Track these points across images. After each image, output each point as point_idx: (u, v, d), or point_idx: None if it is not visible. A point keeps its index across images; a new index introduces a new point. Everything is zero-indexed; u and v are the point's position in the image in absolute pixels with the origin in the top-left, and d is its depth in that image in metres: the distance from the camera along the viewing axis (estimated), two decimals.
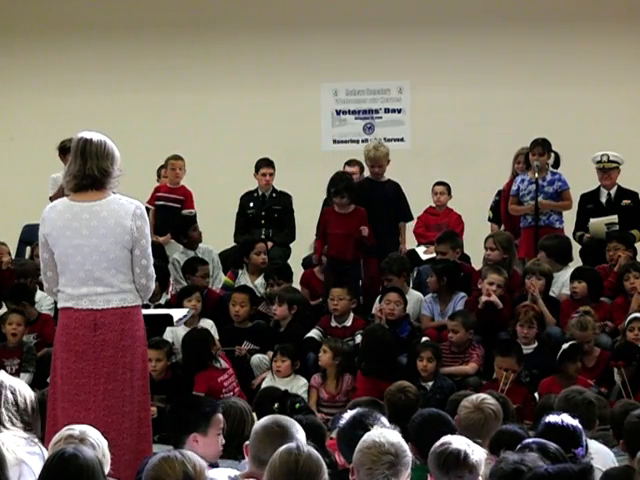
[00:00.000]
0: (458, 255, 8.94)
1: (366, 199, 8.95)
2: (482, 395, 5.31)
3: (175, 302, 8.50)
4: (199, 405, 4.84)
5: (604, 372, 7.51)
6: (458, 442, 4.06)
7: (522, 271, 8.60)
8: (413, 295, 8.68)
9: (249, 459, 4.32)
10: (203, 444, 4.69)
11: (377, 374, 7.48)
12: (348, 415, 4.62)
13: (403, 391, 6.16)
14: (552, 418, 4.72)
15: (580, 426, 4.69)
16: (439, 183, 10.37)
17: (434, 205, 10.33)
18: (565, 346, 7.37)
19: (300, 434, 4.30)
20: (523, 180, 9.33)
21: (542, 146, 9.26)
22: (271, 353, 8.15)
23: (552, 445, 4.28)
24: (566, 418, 4.70)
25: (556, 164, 9.44)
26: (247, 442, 4.32)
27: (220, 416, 4.85)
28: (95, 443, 4.04)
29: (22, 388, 4.33)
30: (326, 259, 8.95)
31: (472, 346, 7.85)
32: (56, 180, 8.92)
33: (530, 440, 4.37)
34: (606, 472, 4.71)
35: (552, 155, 9.38)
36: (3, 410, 4.21)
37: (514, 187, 9.40)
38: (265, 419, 4.42)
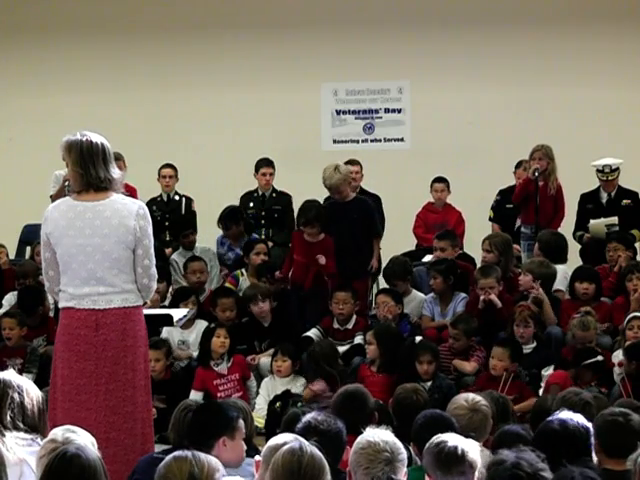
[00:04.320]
0: (457, 254, 8.93)
1: (332, 222, 8.71)
2: (469, 396, 5.33)
3: (171, 304, 8.48)
4: (226, 410, 4.83)
5: (604, 372, 7.51)
6: (453, 439, 4.07)
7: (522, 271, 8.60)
8: (416, 296, 8.68)
9: (261, 471, 4.28)
10: (231, 448, 4.63)
11: (396, 370, 7.49)
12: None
13: (416, 392, 6.11)
14: (563, 415, 4.72)
15: (590, 426, 4.69)
16: (438, 180, 10.37)
17: (433, 201, 10.33)
18: (599, 359, 7.35)
19: None
20: None
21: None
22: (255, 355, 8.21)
23: (572, 421, 4.42)
24: (576, 417, 4.70)
25: None
26: (258, 457, 4.28)
27: (242, 422, 4.82)
28: (82, 444, 3.99)
29: (30, 388, 4.31)
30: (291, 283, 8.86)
31: (473, 348, 7.85)
32: (59, 177, 8.94)
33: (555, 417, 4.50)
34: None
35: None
36: (7, 412, 4.19)
37: None
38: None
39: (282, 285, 8.82)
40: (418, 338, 7.87)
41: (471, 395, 5.35)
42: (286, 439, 4.25)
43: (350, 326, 8.37)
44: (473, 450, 4.03)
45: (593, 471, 4.14)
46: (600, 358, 7.35)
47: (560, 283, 8.48)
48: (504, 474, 3.61)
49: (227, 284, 9.26)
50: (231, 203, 10.23)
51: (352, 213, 8.83)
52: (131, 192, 9.85)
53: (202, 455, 3.71)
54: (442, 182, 10.35)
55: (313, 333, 8.33)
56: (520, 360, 7.47)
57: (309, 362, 7.70)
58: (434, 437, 4.11)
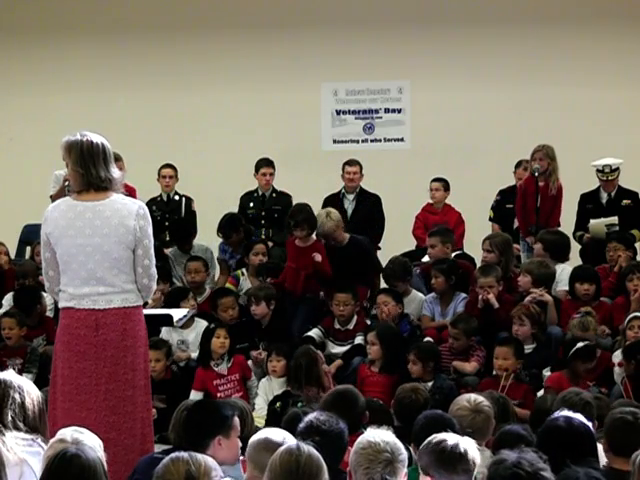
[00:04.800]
0: (448, 250, 8.89)
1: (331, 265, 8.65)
2: (471, 397, 5.35)
3: (168, 304, 8.45)
4: (221, 408, 4.84)
5: (604, 372, 7.51)
6: (452, 438, 4.07)
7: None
8: (416, 296, 8.68)
9: (249, 470, 4.28)
10: (226, 447, 4.66)
11: (397, 370, 7.51)
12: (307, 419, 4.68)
13: (415, 391, 6.15)
14: (564, 414, 4.72)
15: (591, 426, 4.69)
16: (436, 179, 10.37)
17: (431, 202, 10.32)
18: (580, 345, 7.34)
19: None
20: None
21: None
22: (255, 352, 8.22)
23: (576, 419, 4.41)
24: (578, 417, 4.71)
25: None
26: (242, 457, 4.29)
27: (237, 419, 4.85)
28: (90, 446, 4.00)
29: (30, 389, 4.31)
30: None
31: (473, 347, 7.85)
32: (58, 177, 8.95)
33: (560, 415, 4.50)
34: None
35: None
36: (9, 412, 4.18)
37: None
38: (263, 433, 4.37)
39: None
40: (427, 339, 7.90)
41: (473, 396, 5.36)
42: (267, 434, 4.28)
43: (351, 327, 8.38)
44: (472, 447, 4.04)
45: (598, 472, 4.14)
46: (581, 344, 7.31)
47: (562, 282, 8.48)
48: (505, 473, 3.63)
49: (227, 284, 9.27)
50: (231, 203, 10.24)
51: (349, 257, 8.71)
52: (130, 192, 9.89)
53: (199, 455, 3.73)
54: (438, 181, 10.34)
55: (315, 333, 8.34)
56: (523, 358, 7.45)
57: (292, 372, 7.70)
58: (431, 437, 4.11)
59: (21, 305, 8.59)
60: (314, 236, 8.77)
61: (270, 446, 4.21)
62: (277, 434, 4.35)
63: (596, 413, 5.44)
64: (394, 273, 8.65)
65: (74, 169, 5.20)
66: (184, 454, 3.70)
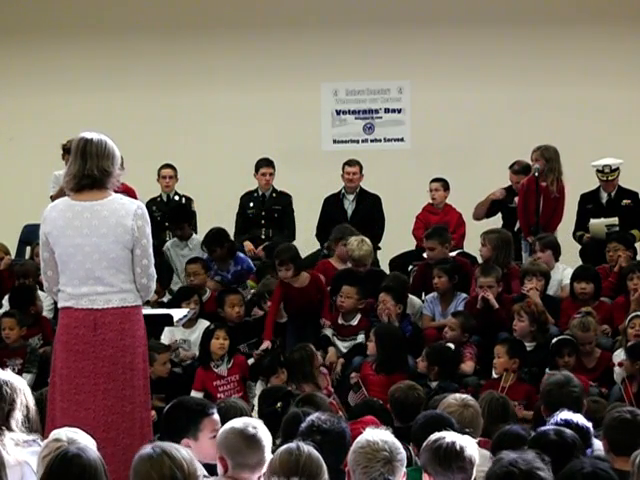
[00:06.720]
0: (447, 250, 8.88)
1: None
2: (456, 395, 5.40)
3: (173, 303, 8.46)
4: (189, 409, 4.78)
5: (604, 373, 7.51)
6: (450, 435, 4.08)
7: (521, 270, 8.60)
8: (414, 302, 8.66)
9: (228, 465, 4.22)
10: (196, 448, 4.53)
11: (394, 370, 7.50)
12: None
13: (413, 389, 6.17)
14: (564, 415, 4.73)
15: (590, 425, 4.69)
16: (435, 180, 10.36)
17: (432, 202, 10.32)
18: (554, 340, 7.38)
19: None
20: None
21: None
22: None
23: (569, 432, 4.40)
24: (577, 417, 4.71)
25: None
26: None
27: (214, 417, 4.75)
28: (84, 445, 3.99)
29: (27, 389, 4.32)
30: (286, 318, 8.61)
31: (464, 344, 7.84)
32: (58, 178, 8.94)
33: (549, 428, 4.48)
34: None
35: None
36: (10, 413, 4.19)
37: None
38: (235, 423, 4.27)
39: None
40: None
41: (458, 395, 5.42)
42: (236, 424, 4.21)
43: (354, 323, 8.37)
44: (471, 446, 4.05)
45: (604, 462, 4.15)
46: (555, 340, 7.33)
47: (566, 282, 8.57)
48: (499, 471, 3.66)
49: (249, 281, 9.23)
50: (231, 203, 10.24)
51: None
52: (129, 192, 9.88)
53: (181, 451, 3.66)
54: (438, 182, 10.31)
55: (328, 332, 8.37)
56: (525, 358, 7.45)
57: (288, 369, 7.71)
58: (431, 435, 4.12)
59: (16, 305, 8.59)
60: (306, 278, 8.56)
61: None
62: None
63: (594, 415, 5.45)
64: (391, 290, 8.49)
65: (73, 162, 5.19)
66: (164, 449, 3.66)
